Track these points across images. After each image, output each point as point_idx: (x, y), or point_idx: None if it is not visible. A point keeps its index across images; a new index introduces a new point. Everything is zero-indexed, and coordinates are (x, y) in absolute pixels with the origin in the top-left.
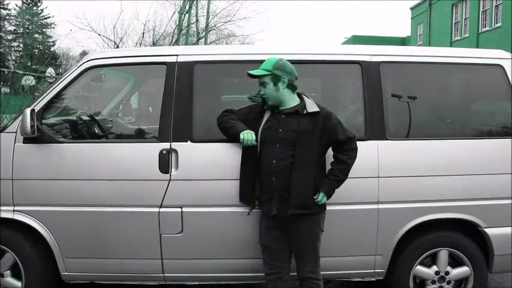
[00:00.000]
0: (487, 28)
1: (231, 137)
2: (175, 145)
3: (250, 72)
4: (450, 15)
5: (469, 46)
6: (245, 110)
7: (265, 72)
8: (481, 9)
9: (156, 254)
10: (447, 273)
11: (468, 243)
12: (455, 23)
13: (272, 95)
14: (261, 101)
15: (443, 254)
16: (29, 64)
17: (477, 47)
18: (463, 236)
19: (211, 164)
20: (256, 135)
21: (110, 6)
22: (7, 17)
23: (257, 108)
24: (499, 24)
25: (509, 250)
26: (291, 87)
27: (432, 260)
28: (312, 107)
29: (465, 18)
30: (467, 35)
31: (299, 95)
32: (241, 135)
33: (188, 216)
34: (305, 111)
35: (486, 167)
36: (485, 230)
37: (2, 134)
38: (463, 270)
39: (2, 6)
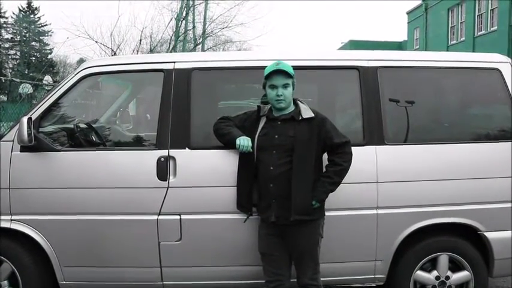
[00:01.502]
0: (483, 32)
1: (227, 143)
2: (173, 152)
3: (286, 70)
4: (446, 19)
5: (465, 50)
6: (241, 117)
7: (293, 74)
8: (476, 13)
9: (154, 262)
10: (447, 278)
11: (468, 248)
12: (451, 27)
13: (289, 98)
14: (257, 107)
15: (443, 259)
16: (26, 72)
17: (473, 51)
18: (463, 240)
19: (210, 171)
20: (253, 142)
21: (107, 13)
22: (4, 25)
23: (253, 115)
24: (495, 27)
25: (510, 254)
26: None
27: (432, 265)
28: (307, 112)
29: (461, 22)
30: (463, 38)
31: (294, 101)
32: (238, 141)
33: (187, 224)
34: (300, 117)
35: (485, 170)
36: (485, 234)
37: None
38: (463, 274)
39: None
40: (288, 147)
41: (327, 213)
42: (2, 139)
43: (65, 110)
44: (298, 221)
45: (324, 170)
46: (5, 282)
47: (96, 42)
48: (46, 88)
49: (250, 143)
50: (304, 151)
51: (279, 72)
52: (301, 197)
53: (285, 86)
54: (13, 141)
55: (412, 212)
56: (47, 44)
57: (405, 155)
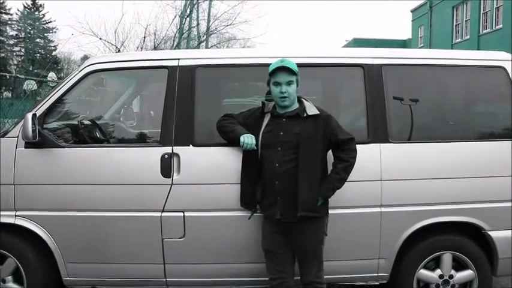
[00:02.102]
0: (488, 30)
1: (231, 141)
2: (177, 149)
3: (291, 67)
4: (451, 17)
5: (470, 48)
6: (245, 114)
7: (297, 72)
8: (481, 11)
9: (158, 259)
10: (451, 276)
11: (472, 247)
12: (456, 25)
13: (293, 95)
14: (261, 104)
15: (447, 258)
16: (30, 69)
17: (478, 49)
18: (467, 239)
19: (213, 168)
20: (257, 139)
21: (111, 10)
22: (9, 22)
23: (257, 112)
24: (500, 26)
25: None
26: None
27: (436, 264)
28: (311, 110)
29: (466, 20)
30: (468, 37)
31: (298, 99)
32: (242, 139)
33: (190, 221)
34: (305, 114)
35: (489, 169)
36: (489, 232)
37: (3, 138)
38: (467, 273)
39: (3, 12)
40: (293, 144)
41: (330, 211)
42: (7, 135)
43: (69, 106)
44: (303, 217)
45: (332, 167)
46: (10, 277)
47: (100, 39)
48: (50, 85)
49: (254, 141)
50: (311, 148)
51: (283, 69)
52: (307, 194)
53: (289, 83)
54: (18, 137)
55: (416, 211)
56: (52, 41)
57: (409, 153)
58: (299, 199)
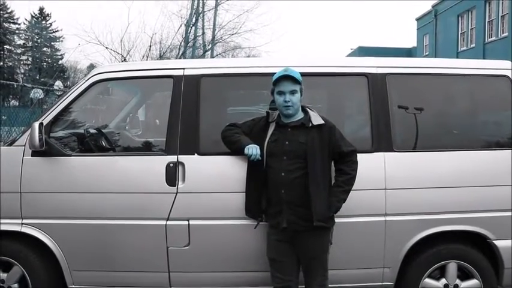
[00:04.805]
0: (493, 38)
1: (236, 151)
2: (182, 158)
3: (295, 76)
4: (456, 25)
5: (475, 56)
6: (249, 124)
7: (301, 81)
8: (487, 20)
9: (163, 267)
10: (456, 286)
11: (477, 256)
12: (461, 33)
13: (297, 104)
14: (266, 113)
15: (452, 267)
16: (37, 77)
17: (484, 57)
18: (472, 248)
19: (218, 176)
20: (262, 148)
21: (117, 19)
22: (17, 31)
23: (261, 122)
24: (506, 34)
25: None
26: None
27: (441, 273)
28: (316, 119)
29: (471, 29)
30: (473, 45)
31: (303, 108)
32: (246, 150)
33: (195, 229)
34: (311, 124)
35: (494, 178)
36: (494, 242)
37: (11, 147)
38: (472, 283)
39: (11, 21)
40: (299, 153)
41: (335, 220)
42: (14, 144)
43: (75, 115)
44: (317, 227)
45: (334, 180)
46: (16, 285)
47: (106, 48)
48: (57, 93)
49: (258, 151)
50: (318, 157)
51: (287, 78)
52: (320, 205)
53: (293, 92)
54: (25, 146)
55: (421, 219)
56: (58, 50)
57: (414, 162)
58: (313, 210)
